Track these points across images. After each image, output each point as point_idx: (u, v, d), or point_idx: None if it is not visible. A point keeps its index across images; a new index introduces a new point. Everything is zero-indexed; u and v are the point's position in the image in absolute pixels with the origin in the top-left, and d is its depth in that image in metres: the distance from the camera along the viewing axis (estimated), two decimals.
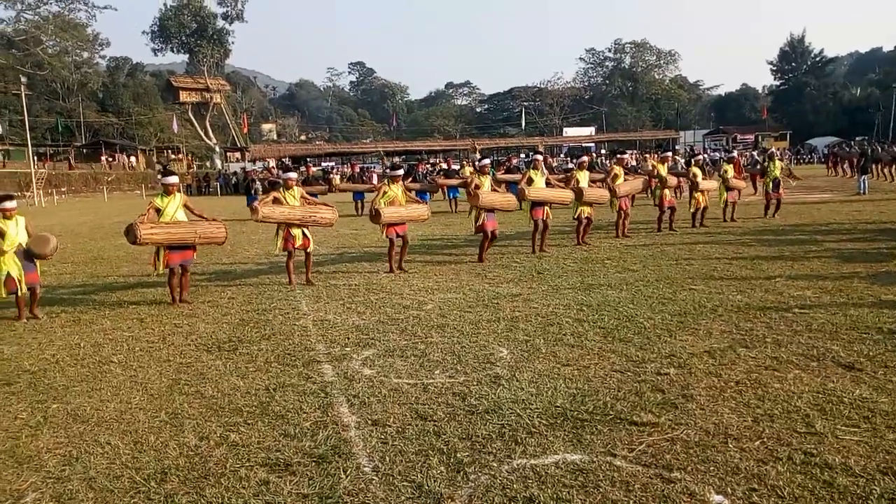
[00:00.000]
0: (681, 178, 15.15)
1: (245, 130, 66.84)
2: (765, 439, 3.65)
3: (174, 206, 8.07)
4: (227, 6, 65.94)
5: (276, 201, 8.81)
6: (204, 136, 63.48)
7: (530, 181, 10.83)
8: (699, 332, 5.84)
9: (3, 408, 4.72)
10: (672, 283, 8.00)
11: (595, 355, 5.30)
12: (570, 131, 75.01)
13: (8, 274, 7.32)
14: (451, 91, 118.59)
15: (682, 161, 27.04)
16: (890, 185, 22.85)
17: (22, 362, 5.83)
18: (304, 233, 8.88)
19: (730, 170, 14.20)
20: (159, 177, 9.04)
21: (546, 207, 10.88)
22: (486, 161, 11.94)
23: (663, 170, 13.18)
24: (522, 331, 6.12)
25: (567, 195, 11.19)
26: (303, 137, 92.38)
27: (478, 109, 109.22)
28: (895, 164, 24.51)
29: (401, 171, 10.33)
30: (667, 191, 12.91)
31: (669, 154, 15.04)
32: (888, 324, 5.76)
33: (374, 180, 27.29)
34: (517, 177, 17.44)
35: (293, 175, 9.51)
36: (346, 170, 41.41)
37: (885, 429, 3.71)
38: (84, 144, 62.74)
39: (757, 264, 9.07)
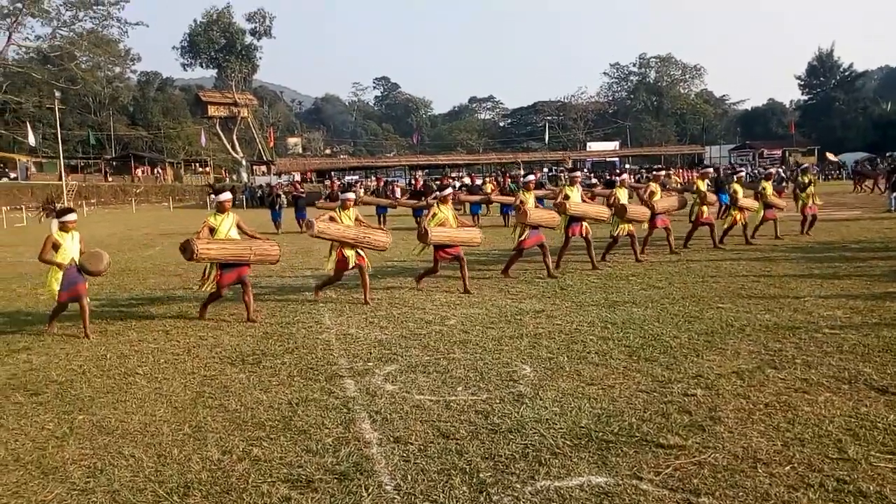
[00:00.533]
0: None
1: (271, 144, 67.78)
2: (795, 465, 3.55)
3: (228, 225, 7.85)
4: (256, 23, 67.11)
5: (331, 220, 8.59)
6: (231, 150, 64.47)
7: (566, 197, 10.75)
8: (727, 352, 5.74)
9: (30, 418, 4.78)
10: (699, 301, 7.88)
11: (620, 374, 5.22)
12: (594, 146, 74.79)
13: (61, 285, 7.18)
14: (474, 105, 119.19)
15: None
16: None
17: (50, 372, 5.91)
18: (357, 252, 8.65)
19: (768, 187, 13.88)
20: (211, 196, 8.72)
21: (584, 223, 10.84)
22: (532, 177, 11.80)
23: (703, 185, 13.01)
24: (546, 348, 6.07)
25: (605, 211, 11.14)
26: (328, 151, 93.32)
27: (501, 124, 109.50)
28: None
29: (449, 191, 9.86)
30: (704, 207, 12.72)
31: (711, 169, 14.83)
32: None
33: (398, 194, 27.45)
34: (541, 192, 17.43)
35: (351, 195, 9.07)
36: (370, 183, 41.67)
37: None
38: (114, 157, 64.05)
39: (785, 282, 8.91)
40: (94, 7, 61.54)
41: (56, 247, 7.24)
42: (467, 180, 37.21)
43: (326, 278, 9.06)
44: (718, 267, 10.49)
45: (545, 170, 52.69)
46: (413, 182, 33.52)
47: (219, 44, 66.64)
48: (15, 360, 6.41)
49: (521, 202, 10.29)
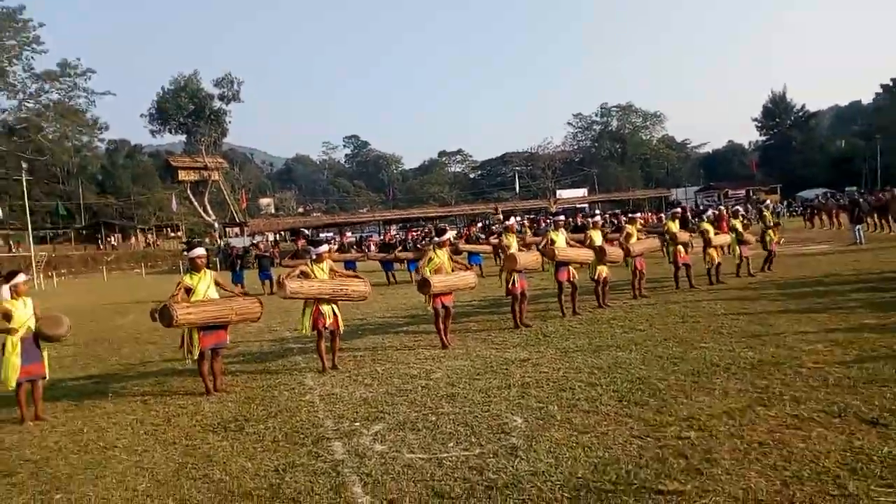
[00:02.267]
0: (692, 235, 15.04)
1: (243, 206, 67.65)
2: None
3: (206, 284, 7.28)
4: (224, 87, 67.81)
5: (303, 275, 8.02)
6: (203, 213, 64.21)
7: (552, 242, 10.71)
8: (715, 391, 5.73)
9: (4, 501, 4.56)
10: (681, 342, 7.91)
11: (612, 421, 5.17)
12: (563, 193, 76.02)
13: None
14: (444, 159, 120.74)
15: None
16: (882, 234, 22.92)
17: (23, 451, 5.68)
18: (333, 311, 8.05)
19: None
20: (184, 253, 7.91)
21: (570, 267, 10.80)
22: (512, 220, 11.83)
23: (674, 226, 13.22)
24: (535, 397, 6.00)
25: (590, 255, 11.13)
26: (300, 210, 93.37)
27: (472, 176, 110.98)
28: (876, 213, 24.44)
29: (447, 236, 9.44)
30: (680, 247, 12.90)
31: (679, 210, 15.07)
32: None
33: (372, 249, 27.39)
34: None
35: (324, 248, 8.34)
36: (342, 239, 41.44)
37: None
38: (84, 226, 63.26)
39: (763, 319, 9.00)
40: (61, 79, 61.84)
41: (8, 317, 6.67)
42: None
43: (317, 345, 8.15)
44: (697, 307, 10.58)
45: (518, 217, 53.29)
46: (384, 236, 33.50)
47: (187, 109, 67.05)
48: None
49: (507, 246, 10.27)
